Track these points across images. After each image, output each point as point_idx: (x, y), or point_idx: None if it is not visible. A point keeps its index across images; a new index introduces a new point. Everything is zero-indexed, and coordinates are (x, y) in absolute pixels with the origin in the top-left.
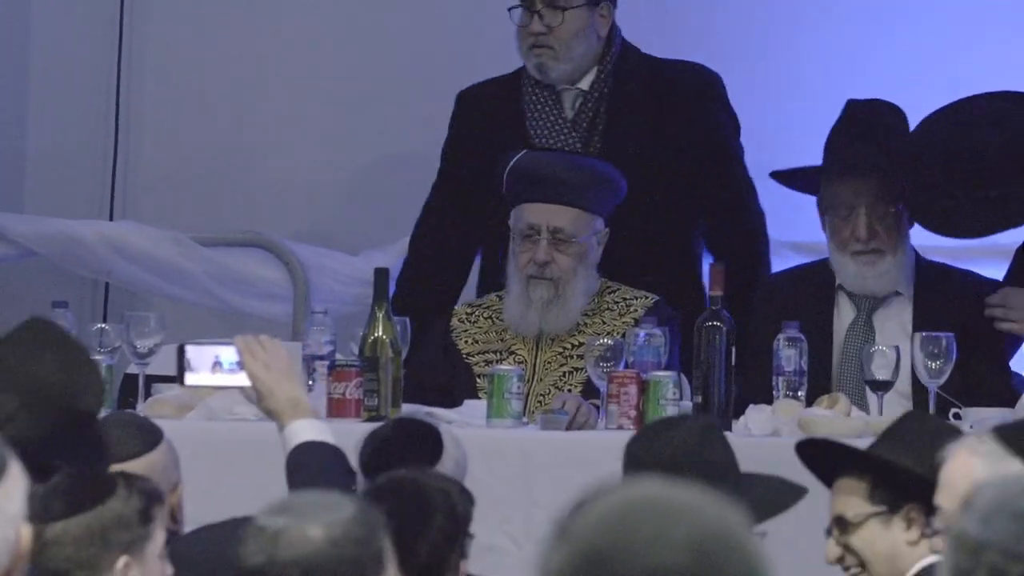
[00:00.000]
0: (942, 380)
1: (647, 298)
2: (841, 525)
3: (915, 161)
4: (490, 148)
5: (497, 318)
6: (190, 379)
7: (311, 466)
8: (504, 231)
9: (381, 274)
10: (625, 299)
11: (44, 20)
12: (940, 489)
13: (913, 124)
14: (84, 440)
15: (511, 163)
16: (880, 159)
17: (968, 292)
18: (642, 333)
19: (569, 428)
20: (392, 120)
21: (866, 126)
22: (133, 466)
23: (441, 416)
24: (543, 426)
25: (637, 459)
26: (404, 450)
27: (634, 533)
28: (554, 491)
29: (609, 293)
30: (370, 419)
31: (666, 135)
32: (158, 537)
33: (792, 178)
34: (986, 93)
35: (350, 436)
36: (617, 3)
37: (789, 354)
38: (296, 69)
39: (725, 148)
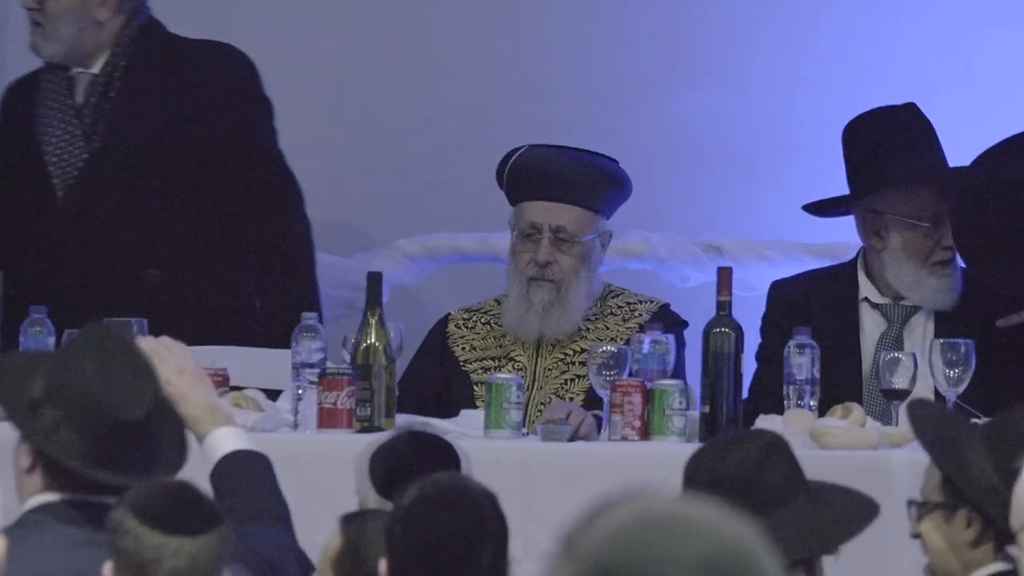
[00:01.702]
0: (961, 388)
1: (652, 302)
2: (918, 506)
3: (979, 201)
4: (7, 141)
5: (495, 323)
6: None
7: (243, 478)
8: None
9: (374, 278)
10: (629, 303)
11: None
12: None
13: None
14: (129, 452)
15: (512, 159)
16: (945, 168)
17: (991, 297)
18: (647, 340)
19: (571, 439)
20: (385, 122)
21: (921, 133)
22: None
23: (438, 427)
24: (544, 437)
25: (693, 479)
26: (421, 466)
27: (645, 550)
28: (555, 505)
29: (612, 297)
30: (363, 430)
31: (182, 118)
32: None
33: (823, 208)
34: None
35: (342, 447)
36: None
37: (800, 362)
38: (286, 69)
39: (247, 135)
